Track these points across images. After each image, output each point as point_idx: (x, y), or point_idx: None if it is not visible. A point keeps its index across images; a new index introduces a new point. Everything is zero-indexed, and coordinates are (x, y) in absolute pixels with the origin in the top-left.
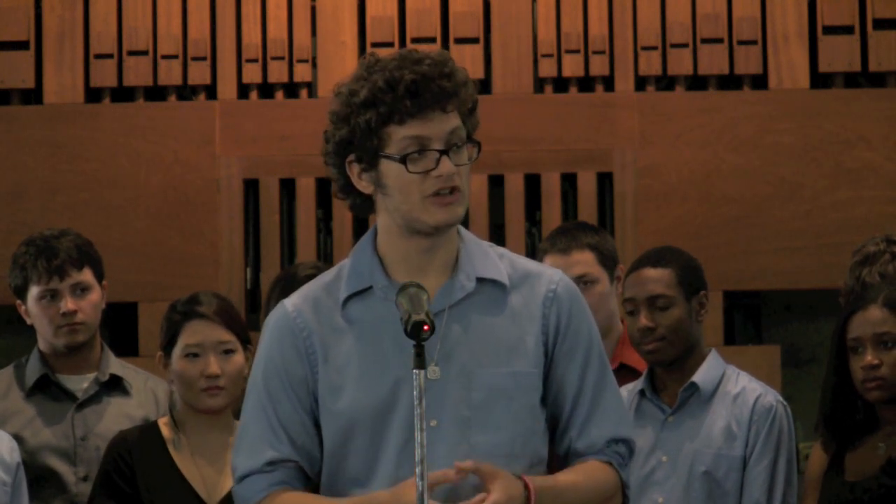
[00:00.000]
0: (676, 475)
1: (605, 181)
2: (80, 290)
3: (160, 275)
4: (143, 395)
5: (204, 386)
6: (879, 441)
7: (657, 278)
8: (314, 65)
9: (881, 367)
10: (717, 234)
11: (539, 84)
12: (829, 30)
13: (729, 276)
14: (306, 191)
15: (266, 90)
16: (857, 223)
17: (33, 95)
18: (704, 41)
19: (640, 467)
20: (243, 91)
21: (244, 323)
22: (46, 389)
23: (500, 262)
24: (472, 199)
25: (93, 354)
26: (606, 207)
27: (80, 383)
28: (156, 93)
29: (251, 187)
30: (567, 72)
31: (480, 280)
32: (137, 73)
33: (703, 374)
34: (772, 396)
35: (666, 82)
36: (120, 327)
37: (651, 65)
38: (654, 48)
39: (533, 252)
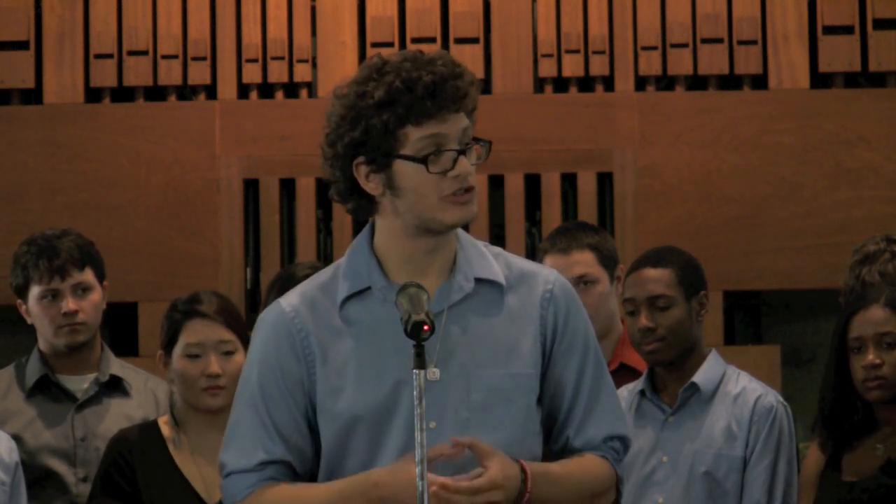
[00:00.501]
0: (677, 475)
1: (605, 181)
2: (82, 290)
3: (160, 275)
4: (143, 396)
5: (204, 385)
6: (878, 442)
7: (657, 278)
8: (314, 65)
9: (882, 367)
10: (717, 234)
11: (539, 84)
12: (829, 30)
13: (729, 276)
14: (306, 191)
15: (266, 90)
16: (857, 223)
17: (33, 95)
18: (704, 41)
19: (640, 467)
20: (243, 91)
21: (245, 322)
22: (46, 390)
23: (496, 262)
24: None
25: (93, 355)
26: (606, 207)
27: (81, 384)
28: (156, 93)
29: (251, 187)
30: (567, 72)
31: (478, 281)
32: (137, 73)
33: (703, 375)
34: (772, 397)
35: (666, 82)
36: (120, 327)
37: (651, 65)
38: (654, 48)
39: (533, 252)
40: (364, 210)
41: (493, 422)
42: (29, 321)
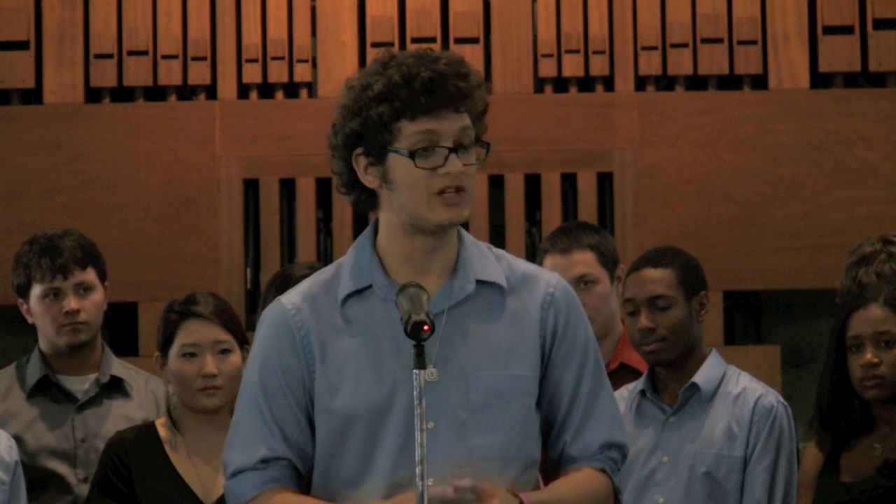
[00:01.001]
0: (677, 476)
1: (605, 181)
2: (84, 289)
3: (160, 275)
4: (144, 397)
5: (201, 386)
6: (875, 442)
7: (657, 279)
8: (314, 65)
9: (880, 366)
10: (717, 234)
11: (539, 84)
12: (829, 30)
13: (729, 276)
14: (306, 191)
15: (266, 90)
16: (857, 223)
17: (33, 95)
18: (704, 41)
19: (640, 468)
20: (243, 91)
21: (241, 323)
22: (47, 390)
23: (499, 264)
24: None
25: (94, 355)
26: (606, 207)
27: (81, 384)
28: (156, 93)
29: (251, 187)
30: (567, 72)
31: (480, 282)
32: (137, 73)
33: (703, 375)
34: (772, 397)
35: (666, 82)
36: (120, 327)
37: (651, 65)
38: (654, 48)
39: (533, 252)
40: (364, 204)
41: (490, 423)
42: (30, 321)
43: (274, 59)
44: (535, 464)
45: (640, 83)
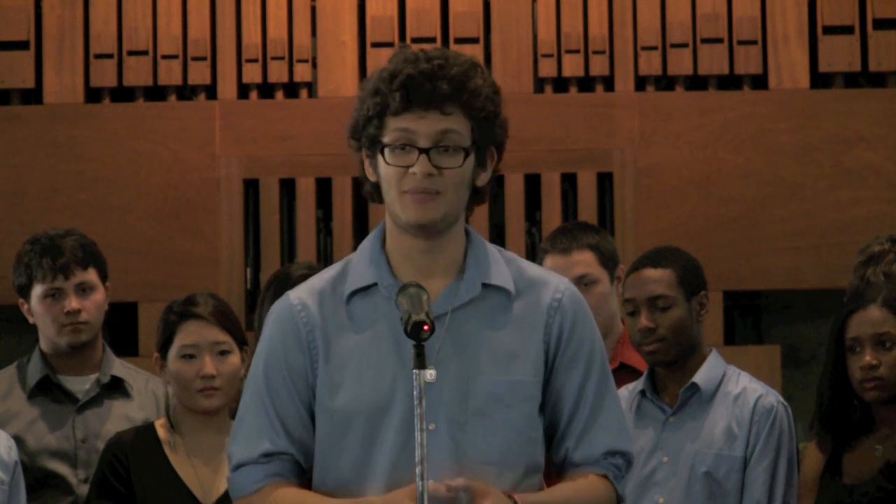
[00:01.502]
0: (677, 476)
1: (605, 181)
2: (85, 289)
3: (160, 275)
4: (144, 397)
5: (200, 387)
6: (876, 443)
7: (657, 279)
8: (314, 65)
9: (880, 368)
10: (717, 234)
11: (539, 84)
12: (829, 30)
13: (729, 276)
14: (306, 191)
15: (266, 90)
16: (857, 223)
17: (33, 95)
18: (704, 41)
19: (640, 468)
20: (243, 91)
21: (240, 323)
22: (48, 391)
23: (508, 267)
24: None
25: (94, 355)
26: (606, 207)
27: (82, 384)
28: (156, 93)
29: (251, 187)
30: (567, 72)
31: (486, 286)
32: (137, 73)
33: (703, 375)
34: (773, 397)
35: (666, 82)
36: (120, 327)
37: (651, 65)
38: (654, 48)
39: (533, 252)
40: (373, 196)
41: (489, 427)
42: (31, 321)
43: (274, 59)
44: (538, 469)
45: (640, 83)
